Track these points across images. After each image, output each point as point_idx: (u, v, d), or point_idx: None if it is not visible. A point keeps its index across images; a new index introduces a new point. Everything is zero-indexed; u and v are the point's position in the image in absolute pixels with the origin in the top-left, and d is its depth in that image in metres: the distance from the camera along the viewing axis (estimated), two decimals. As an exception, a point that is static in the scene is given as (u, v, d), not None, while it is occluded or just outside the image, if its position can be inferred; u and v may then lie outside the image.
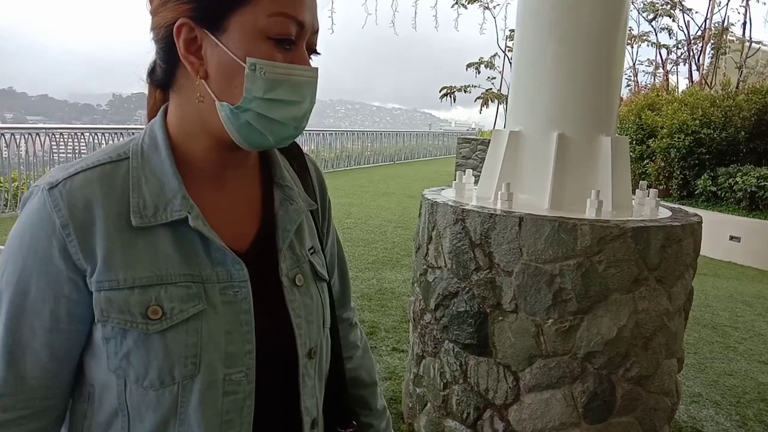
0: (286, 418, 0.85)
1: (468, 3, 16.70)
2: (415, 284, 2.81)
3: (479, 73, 19.58)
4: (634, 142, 9.24)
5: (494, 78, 19.51)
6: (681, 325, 2.47)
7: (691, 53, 14.93)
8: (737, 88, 10.61)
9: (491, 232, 2.33)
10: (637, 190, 2.72)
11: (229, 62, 0.73)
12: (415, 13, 12.54)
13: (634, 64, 17.18)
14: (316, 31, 0.79)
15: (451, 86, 20.32)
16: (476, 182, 2.93)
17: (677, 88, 13.59)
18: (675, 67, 16.99)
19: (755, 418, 3.28)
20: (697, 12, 16.16)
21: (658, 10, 15.19)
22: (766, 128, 8.39)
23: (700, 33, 14.84)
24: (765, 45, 14.53)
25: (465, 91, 19.90)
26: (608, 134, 2.56)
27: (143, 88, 0.87)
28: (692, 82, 13.99)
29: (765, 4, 15.23)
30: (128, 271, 0.73)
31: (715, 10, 14.15)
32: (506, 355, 2.34)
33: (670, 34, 16.23)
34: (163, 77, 0.81)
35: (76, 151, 9.03)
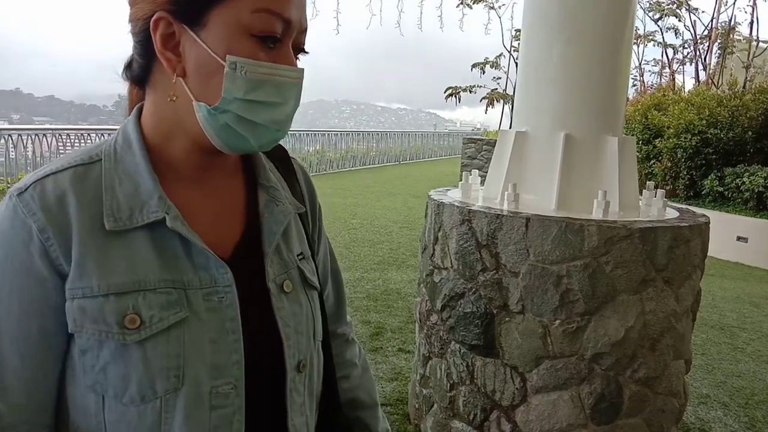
0: None
1: (473, 3, 16.67)
2: (422, 285, 2.81)
3: (484, 73, 19.56)
4: (640, 142, 9.19)
5: (499, 78, 19.51)
6: (688, 326, 2.46)
7: (698, 53, 14.89)
8: (744, 87, 10.53)
9: (498, 233, 2.33)
10: (644, 191, 2.71)
11: (207, 60, 0.69)
12: (421, 13, 12.55)
13: (640, 64, 17.17)
14: (304, 30, 0.74)
15: (456, 86, 20.29)
16: (482, 183, 2.92)
17: (684, 87, 13.50)
18: (681, 67, 16.97)
19: (764, 420, 3.26)
20: (703, 11, 16.16)
21: (664, 10, 15.15)
22: (774, 128, 8.35)
23: (706, 32, 14.78)
24: (772, 44, 14.45)
25: (470, 92, 19.87)
26: (615, 134, 2.56)
27: None
28: (699, 81, 13.94)
29: (772, 3, 15.15)
30: (103, 278, 0.68)
31: (722, 9, 14.10)
32: (513, 356, 2.34)
33: (676, 34, 16.22)
34: (140, 73, 0.76)
35: (83, 151, 9.11)
